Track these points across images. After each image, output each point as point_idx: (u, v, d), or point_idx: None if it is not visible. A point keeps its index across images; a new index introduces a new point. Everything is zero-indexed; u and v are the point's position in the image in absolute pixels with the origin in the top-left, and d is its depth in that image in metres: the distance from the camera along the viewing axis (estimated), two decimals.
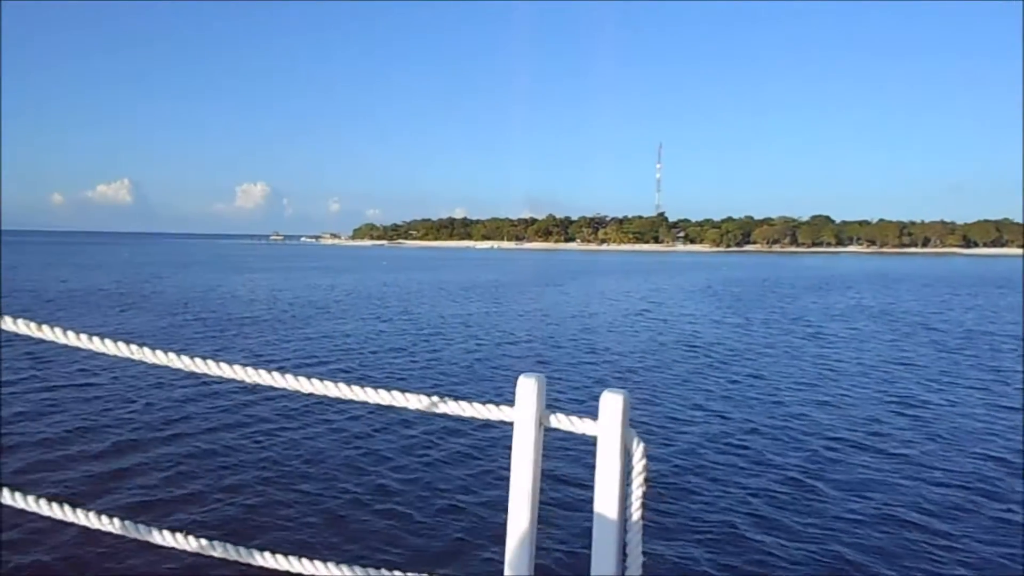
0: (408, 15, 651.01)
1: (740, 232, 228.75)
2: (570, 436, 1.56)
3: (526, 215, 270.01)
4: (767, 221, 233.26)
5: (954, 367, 21.17)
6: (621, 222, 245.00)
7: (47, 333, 1.49)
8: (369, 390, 1.58)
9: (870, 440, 13.35)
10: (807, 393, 17.36)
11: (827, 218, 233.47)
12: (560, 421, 1.51)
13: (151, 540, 1.57)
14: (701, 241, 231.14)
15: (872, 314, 37.28)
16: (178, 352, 1.53)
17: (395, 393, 1.59)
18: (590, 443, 1.47)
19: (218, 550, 1.59)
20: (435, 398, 1.60)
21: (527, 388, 1.50)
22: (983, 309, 40.59)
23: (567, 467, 10.87)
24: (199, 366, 1.56)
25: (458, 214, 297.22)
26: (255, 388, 12.98)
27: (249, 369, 1.56)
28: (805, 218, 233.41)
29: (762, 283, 63.96)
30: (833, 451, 12.69)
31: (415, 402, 1.60)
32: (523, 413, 1.50)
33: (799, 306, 41.47)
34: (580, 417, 1.51)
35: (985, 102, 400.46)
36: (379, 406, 1.63)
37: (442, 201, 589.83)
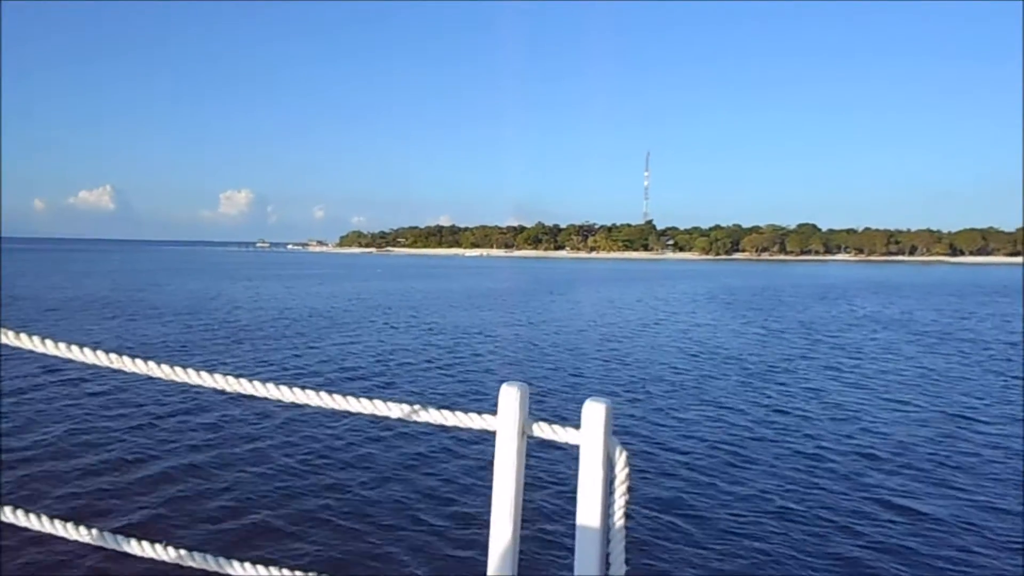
0: (393, 18, 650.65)
1: (729, 240, 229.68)
2: (556, 444, 1.53)
3: (512, 222, 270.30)
4: (755, 229, 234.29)
5: (996, 380, 20.85)
6: (610, 230, 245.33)
7: (47, 347, 1.48)
8: (351, 399, 1.57)
9: (892, 453, 13.01)
10: (831, 405, 16.98)
11: (813, 226, 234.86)
12: (543, 430, 1.51)
13: (147, 554, 1.57)
14: (690, 249, 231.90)
15: (884, 323, 37.10)
16: (159, 361, 1.51)
17: (377, 402, 1.57)
18: (575, 451, 1.46)
19: (196, 560, 1.60)
20: (417, 406, 1.58)
21: (509, 397, 1.49)
22: (997, 318, 40.52)
23: (552, 475, 10.93)
24: (180, 375, 1.55)
25: (443, 221, 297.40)
26: (238, 397, 13.14)
27: (230, 378, 1.56)
28: (792, 226, 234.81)
29: (763, 292, 63.86)
30: (852, 466, 12.35)
31: (397, 411, 1.59)
32: (505, 422, 1.49)
33: (810, 315, 41.25)
34: (563, 426, 1.51)
35: (976, 107, 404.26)
36: (361, 415, 1.61)
37: (427, 208, 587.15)
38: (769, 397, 17.76)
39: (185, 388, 15.61)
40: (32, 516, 1.51)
